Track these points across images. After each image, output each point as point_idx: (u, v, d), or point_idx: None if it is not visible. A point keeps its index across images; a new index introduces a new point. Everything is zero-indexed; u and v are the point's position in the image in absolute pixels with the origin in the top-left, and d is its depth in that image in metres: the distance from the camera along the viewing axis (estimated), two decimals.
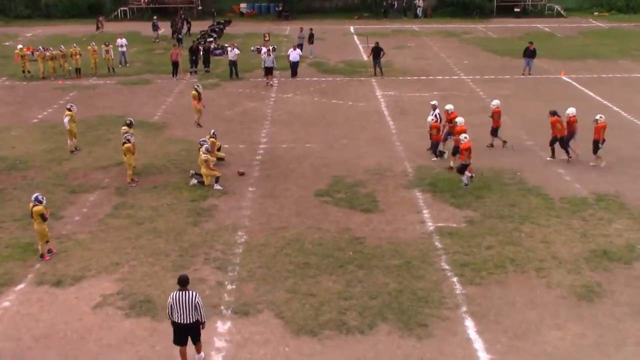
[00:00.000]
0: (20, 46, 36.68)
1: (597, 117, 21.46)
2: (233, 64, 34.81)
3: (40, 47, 36.64)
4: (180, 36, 44.08)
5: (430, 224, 17.41)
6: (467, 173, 19.44)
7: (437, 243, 16.32)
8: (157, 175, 20.98)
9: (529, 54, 34.96)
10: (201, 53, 36.55)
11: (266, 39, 41.92)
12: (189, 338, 11.68)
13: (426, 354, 12.16)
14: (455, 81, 34.14)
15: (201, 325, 11.70)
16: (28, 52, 36.81)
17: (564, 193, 19.27)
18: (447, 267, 15.18)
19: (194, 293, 11.57)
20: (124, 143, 20.05)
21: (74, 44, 36.45)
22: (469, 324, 13.10)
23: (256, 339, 12.65)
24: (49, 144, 24.29)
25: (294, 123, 26.69)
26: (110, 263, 15.46)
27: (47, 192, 19.36)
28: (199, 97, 26.26)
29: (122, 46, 37.90)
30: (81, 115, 27.63)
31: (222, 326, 13.03)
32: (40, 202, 15.57)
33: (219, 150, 22.02)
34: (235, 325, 13.08)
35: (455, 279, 14.69)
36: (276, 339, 12.63)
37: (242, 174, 20.82)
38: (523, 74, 35.10)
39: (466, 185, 19.39)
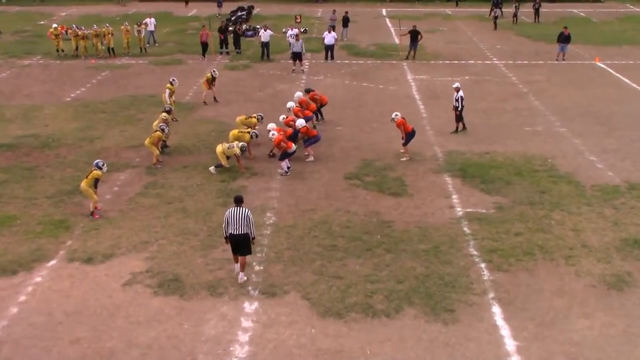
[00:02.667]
0: (55, 25, 37.06)
1: (393, 115, 20.79)
2: (265, 45, 34.80)
3: (74, 26, 36.98)
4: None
5: (459, 209, 17.32)
6: None
7: (465, 228, 16.24)
8: (187, 155, 21.13)
9: (563, 39, 34.44)
10: (231, 35, 36.57)
11: (297, 20, 41.80)
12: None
13: (452, 339, 12.14)
14: (488, 66, 33.78)
15: (252, 240, 13.73)
16: (62, 32, 37.19)
17: (595, 181, 19.02)
18: (475, 253, 15.10)
19: (247, 210, 13.68)
20: (156, 130, 20.43)
21: (107, 24, 36.76)
22: (496, 310, 13.04)
23: (282, 319, 12.72)
24: (81, 122, 24.58)
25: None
26: (139, 241, 15.64)
27: (78, 170, 19.70)
28: (211, 81, 26.78)
29: (150, 25, 38.04)
30: (113, 95, 27.97)
31: (249, 306, 13.13)
32: (100, 168, 16.72)
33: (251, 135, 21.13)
34: (262, 305, 13.17)
35: (483, 265, 14.61)
36: (302, 320, 12.70)
37: (272, 155, 20.85)
38: (557, 60, 34.61)
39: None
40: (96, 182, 16.74)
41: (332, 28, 36.88)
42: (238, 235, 13.51)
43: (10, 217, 16.84)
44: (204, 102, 26.62)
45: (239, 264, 13.89)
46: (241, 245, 13.64)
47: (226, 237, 13.76)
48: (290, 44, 33.94)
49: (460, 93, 22.60)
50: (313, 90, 24.97)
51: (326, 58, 34.87)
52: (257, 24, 42.78)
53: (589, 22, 47.44)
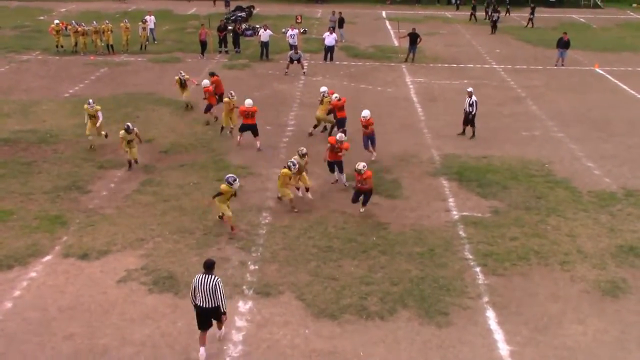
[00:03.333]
0: (56, 21, 36.99)
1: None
2: (264, 45, 34.78)
3: (73, 22, 36.92)
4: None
5: (455, 212, 17.34)
6: None
7: (461, 232, 16.26)
8: (184, 153, 21.12)
9: (563, 44, 34.49)
10: (231, 34, 36.54)
11: (298, 21, 41.80)
12: (212, 321, 11.66)
13: (445, 342, 12.16)
14: (487, 70, 33.82)
15: (223, 315, 11.60)
16: (62, 28, 37.15)
17: (592, 187, 19.06)
18: (470, 257, 15.12)
19: (217, 278, 11.41)
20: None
21: (106, 21, 36.72)
22: (490, 314, 13.06)
23: (276, 320, 12.73)
24: (79, 118, 24.47)
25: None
26: (135, 238, 15.64)
27: (75, 167, 19.70)
28: (182, 84, 25.40)
29: (150, 23, 37.97)
30: (111, 92, 27.93)
31: (244, 306, 13.14)
32: (231, 185, 15.66)
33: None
34: (256, 305, 13.17)
35: (478, 269, 14.64)
36: (296, 320, 12.71)
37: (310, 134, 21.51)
38: (556, 65, 34.66)
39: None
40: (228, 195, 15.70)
41: (333, 29, 36.90)
42: (207, 309, 11.44)
43: (7, 212, 16.81)
44: (188, 105, 25.85)
45: (204, 346, 11.61)
46: (214, 317, 11.62)
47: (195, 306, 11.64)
48: (290, 44, 33.95)
49: (474, 98, 22.55)
50: (216, 75, 25.49)
51: (325, 59, 34.88)
52: (256, 23, 42.74)
53: (588, 28, 47.54)
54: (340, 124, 21.90)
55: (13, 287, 13.62)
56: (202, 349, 11.53)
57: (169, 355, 11.68)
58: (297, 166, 17.02)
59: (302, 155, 17.84)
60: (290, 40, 34.57)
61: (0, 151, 21.08)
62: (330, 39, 34.74)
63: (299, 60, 31.79)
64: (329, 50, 34.84)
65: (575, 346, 12.15)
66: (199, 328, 11.62)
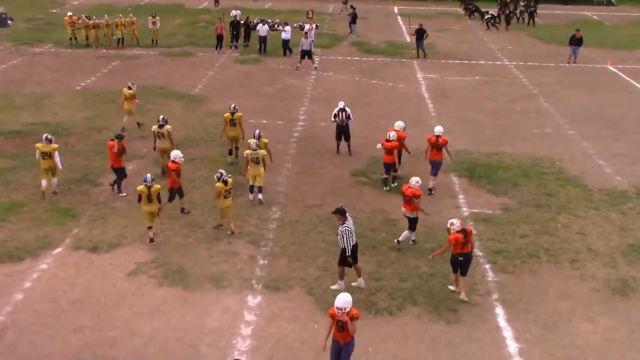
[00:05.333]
0: (70, 13, 37.07)
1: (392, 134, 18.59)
2: (263, 39, 34.65)
3: (83, 16, 37.02)
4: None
5: (465, 209, 17.30)
6: None
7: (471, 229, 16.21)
8: (194, 147, 21.15)
9: (575, 42, 34.27)
10: (243, 28, 36.54)
11: (309, 16, 41.76)
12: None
13: (454, 339, 12.14)
14: (498, 66, 33.67)
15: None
16: (75, 20, 37.24)
17: (603, 185, 18.97)
18: (480, 254, 15.09)
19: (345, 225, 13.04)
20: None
21: (120, 14, 36.78)
22: (499, 311, 13.03)
23: (286, 314, 12.75)
24: (90, 111, 24.63)
25: (333, 101, 26.47)
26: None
27: (86, 159, 19.78)
28: (130, 98, 22.45)
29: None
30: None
31: (253, 300, 13.16)
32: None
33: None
34: (265, 299, 13.19)
35: (487, 266, 14.61)
36: (306, 315, 12.72)
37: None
38: (568, 62, 34.47)
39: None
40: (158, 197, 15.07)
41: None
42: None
43: (18, 204, 16.90)
44: (138, 124, 22.80)
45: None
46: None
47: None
48: (301, 42, 33.96)
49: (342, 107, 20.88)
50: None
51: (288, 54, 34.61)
52: (268, 18, 42.70)
53: (601, 26, 47.22)
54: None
55: (24, 278, 13.70)
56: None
57: (178, 349, 11.72)
58: (226, 178, 15.53)
59: (257, 139, 17.04)
60: (302, 40, 34.48)
61: (13, 143, 21.19)
62: (285, 34, 34.48)
63: (310, 55, 31.73)
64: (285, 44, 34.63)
65: (585, 345, 12.11)
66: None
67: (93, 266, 14.26)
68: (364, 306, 12.96)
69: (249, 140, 17.59)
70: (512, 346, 12.03)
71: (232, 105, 19.81)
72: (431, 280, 13.90)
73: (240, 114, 19.72)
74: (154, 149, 18.89)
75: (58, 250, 14.87)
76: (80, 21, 36.31)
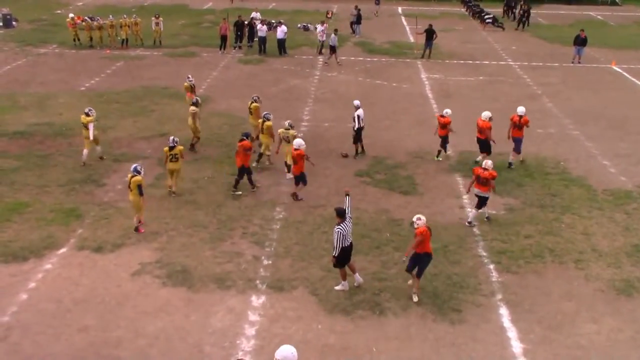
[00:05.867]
0: (71, 15, 37.16)
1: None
2: (262, 40, 34.69)
3: (87, 18, 37.09)
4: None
5: (469, 209, 17.27)
6: None
7: (475, 229, 16.20)
8: (198, 148, 21.14)
9: (580, 42, 34.23)
10: (247, 28, 36.55)
11: (328, 16, 41.84)
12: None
13: (458, 339, 12.13)
14: (502, 67, 33.64)
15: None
16: (78, 21, 37.33)
17: (607, 185, 18.94)
18: (484, 254, 15.08)
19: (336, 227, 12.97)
20: (264, 121, 19.43)
21: (124, 15, 36.84)
22: (504, 312, 13.02)
23: (289, 314, 12.75)
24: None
25: (337, 102, 26.64)
26: (149, 232, 15.71)
27: (91, 160, 19.79)
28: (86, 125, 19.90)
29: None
30: (127, 85, 28.04)
31: (257, 300, 13.17)
32: (139, 173, 15.42)
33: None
34: (269, 300, 13.20)
35: (491, 266, 14.59)
36: (309, 315, 12.72)
37: (345, 155, 20.69)
38: (572, 62, 34.42)
39: None
40: (140, 188, 15.39)
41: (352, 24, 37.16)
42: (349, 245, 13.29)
43: (22, 204, 16.94)
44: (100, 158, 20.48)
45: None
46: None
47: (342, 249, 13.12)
48: (319, 40, 34.17)
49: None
50: None
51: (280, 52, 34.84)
52: (272, 18, 42.71)
53: (606, 26, 47.14)
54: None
55: (28, 278, 13.73)
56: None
57: (182, 349, 11.73)
58: (173, 145, 17.26)
59: (171, 147, 17.33)
60: (319, 37, 34.71)
61: (17, 144, 21.23)
62: (279, 32, 34.70)
63: (335, 51, 32.82)
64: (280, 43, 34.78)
65: (589, 345, 12.08)
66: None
67: (97, 266, 14.28)
68: (368, 306, 12.97)
69: (284, 122, 19.22)
70: (517, 347, 12.02)
71: (255, 96, 21.51)
72: (435, 281, 13.89)
73: (257, 104, 21.10)
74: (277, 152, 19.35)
75: (62, 250, 14.90)
76: (84, 23, 36.37)
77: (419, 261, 13.10)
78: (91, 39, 35.46)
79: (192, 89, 23.62)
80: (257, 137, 20.02)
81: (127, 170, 19.13)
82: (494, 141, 19.70)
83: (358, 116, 20.48)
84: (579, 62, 34.34)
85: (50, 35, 38.46)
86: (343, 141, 21.84)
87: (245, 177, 17.92)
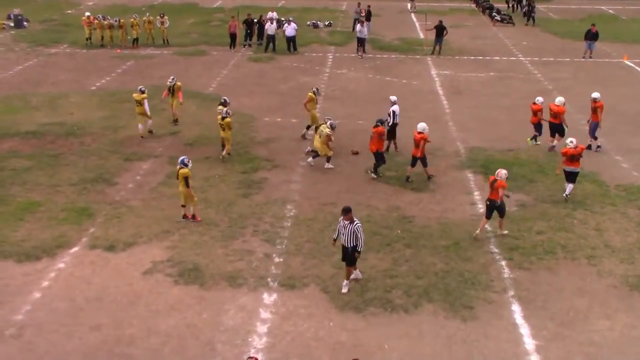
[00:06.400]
0: (87, 14, 37.23)
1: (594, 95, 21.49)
2: (271, 38, 34.65)
3: (100, 16, 37.22)
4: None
5: (480, 205, 17.22)
6: None
7: (486, 225, 16.13)
8: (209, 146, 21.20)
9: (591, 36, 33.98)
10: (256, 26, 36.53)
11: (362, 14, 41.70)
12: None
13: (470, 336, 12.10)
14: (513, 62, 33.49)
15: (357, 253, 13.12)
16: (92, 20, 37.43)
17: (620, 180, 18.82)
18: (496, 250, 15.03)
19: (357, 222, 13.00)
20: (224, 117, 19.66)
21: (135, 15, 36.91)
22: (516, 308, 12.97)
23: (301, 312, 12.76)
24: (106, 111, 24.77)
25: (347, 99, 26.62)
26: (161, 230, 15.75)
27: (102, 159, 19.88)
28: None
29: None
30: (137, 84, 27.99)
31: (268, 298, 13.19)
32: (186, 165, 15.84)
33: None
34: (281, 297, 13.21)
35: (503, 263, 14.54)
36: (321, 313, 12.73)
37: (356, 153, 20.70)
38: (584, 57, 34.20)
39: None
40: (187, 180, 15.79)
41: (356, 21, 36.93)
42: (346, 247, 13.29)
43: (35, 204, 17.04)
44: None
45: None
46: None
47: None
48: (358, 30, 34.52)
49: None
50: None
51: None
52: (281, 16, 42.69)
53: (617, 20, 46.82)
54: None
55: (41, 277, 13.81)
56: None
57: (194, 346, 11.76)
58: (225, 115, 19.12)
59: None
60: (359, 29, 34.76)
61: (29, 144, 21.34)
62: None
63: (363, 43, 33.68)
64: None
65: (602, 342, 12.02)
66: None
67: (109, 265, 14.34)
68: (380, 304, 12.96)
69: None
70: (529, 343, 11.97)
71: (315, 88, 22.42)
72: (447, 278, 13.86)
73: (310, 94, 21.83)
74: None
75: (75, 249, 14.98)
76: (96, 21, 36.49)
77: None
78: (102, 38, 35.58)
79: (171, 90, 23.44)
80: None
81: (138, 169, 19.31)
82: (567, 125, 20.94)
83: (393, 112, 20.63)
84: (590, 57, 34.12)
85: (61, 35, 38.61)
86: (353, 138, 21.82)
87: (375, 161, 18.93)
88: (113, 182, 18.50)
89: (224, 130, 19.78)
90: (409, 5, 49.20)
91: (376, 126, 18.80)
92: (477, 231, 15.55)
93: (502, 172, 15.36)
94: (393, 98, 21.09)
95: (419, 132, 18.35)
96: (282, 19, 40.40)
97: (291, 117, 24.11)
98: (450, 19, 42.89)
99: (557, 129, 21.10)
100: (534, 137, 21.56)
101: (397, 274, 13.98)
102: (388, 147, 20.58)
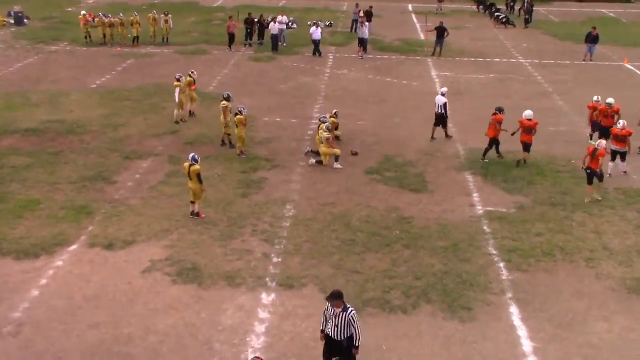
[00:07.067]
0: (83, 12, 37.26)
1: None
2: (275, 37, 34.61)
3: (100, 14, 37.22)
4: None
5: (479, 207, 17.24)
6: None
7: (485, 227, 16.16)
8: (209, 145, 21.21)
9: (592, 39, 34.01)
10: (257, 26, 36.52)
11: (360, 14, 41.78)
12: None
13: (469, 338, 12.11)
14: (513, 64, 33.51)
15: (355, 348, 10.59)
16: (90, 19, 37.46)
17: (619, 184, 18.84)
18: (495, 252, 15.04)
19: (351, 310, 10.46)
20: (236, 114, 19.94)
21: (135, 13, 36.90)
22: (514, 310, 12.98)
23: (299, 312, 12.77)
24: (106, 109, 24.76)
25: (347, 100, 26.62)
26: (160, 229, 15.76)
27: (102, 157, 19.88)
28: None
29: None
30: (138, 83, 28.14)
31: (267, 298, 13.19)
32: (197, 162, 15.99)
33: (337, 129, 21.37)
34: (279, 297, 13.22)
35: (502, 265, 14.55)
36: (319, 313, 12.60)
37: (355, 153, 20.72)
38: (584, 60, 34.23)
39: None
40: (199, 177, 15.95)
41: (355, 22, 37.07)
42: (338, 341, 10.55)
43: (34, 202, 17.03)
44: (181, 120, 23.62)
45: None
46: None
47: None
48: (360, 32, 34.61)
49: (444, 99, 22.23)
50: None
51: (314, 53, 34.51)
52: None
53: (618, 23, 46.84)
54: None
55: (40, 275, 13.81)
56: None
57: (192, 346, 11.77)
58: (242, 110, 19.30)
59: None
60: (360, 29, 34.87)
61: (29, 141, 21.34)
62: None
63: (365, 44, 33.72)
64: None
65: (601, 344, 12.03)
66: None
67: (108, 263, 14.34)
68: (378, 304, 12.96)
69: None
70: (527, 345, 11.98)
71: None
72: (445, 279, 13.87)
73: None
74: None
75: (73, 247, 14.97)
76: (97, 19, 36.47)
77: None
78: (104, 35, 35.58)
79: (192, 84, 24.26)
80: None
81: (138, 167, 19.30)
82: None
83: (445, 104, 22.02)
84: (591, 60, 34.14)
85: (61, 32, 38.60)
86: (353, 139, 21.84)
87: (494, 148, 20.05)
88: (113, 180, 18.50)
89: (237, 127, 19.92)
90: (435, 8, 49.31)
91: (495, 114, 20.13)
92: (587, 199, 17.48)
93: (603, 143, 17.58)
94: (443, 90, 22.66)
95: (529, 119, 19.62)
96: (292, 18, 40.20)
97: (291, 117, 24.12)
98: (451, 21, 42.88)
99: (598, 127, 21.65)
100: (591, 136, 22.01)
101: (395, 275, 13.99)
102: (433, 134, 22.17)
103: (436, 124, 22.14)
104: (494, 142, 20.10)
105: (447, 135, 22.33)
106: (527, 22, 43.66)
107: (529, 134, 19.61)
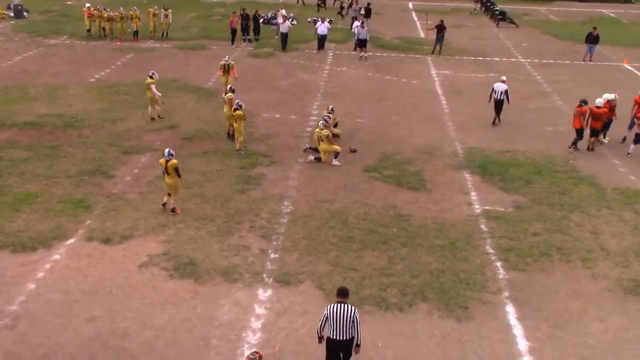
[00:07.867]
0: (88, 5, 37.18)
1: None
2: (284, 35, 34.62)
3: (100, 7, 37.17)
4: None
5: (477, 206, 17.25)
6: None
7: (482, 226, 16.17)
8: (207, 141, 21.20)
9: (592, 39, 34.04)
10: (252, 21, 36.48)
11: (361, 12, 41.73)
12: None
13: (464, 336, 12.13)
14: (513, 63, 33.52)
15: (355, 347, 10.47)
16: (94, 12, 37.37)
17: (617, 184, 18.85)
18: (492, 251, 15.05)
19: (353, 308, 10.31)
20: (235, 109, 19.96)
21: (134, 7, 36.84)
22: (510, 309, 13.00)
23: (296, 308, 12.77)
24: (104, 103, 24.73)
25: (346, 97, 26.61)
26: (157, 224, 15.75)
27: (100, 151, 19.86)
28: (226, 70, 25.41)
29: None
30: (137, 77, 28.07)
31: (263, 294, 13.19)
32: (173, 156, 16.01)
33: (335, 126, 21.39)
34: (276, 293, 13.22)
35: (498, 264, 14.56)
36: (316, 309, 12.72)
37: (354, 150, 20.70)
38: (584, 60, 34.25)
39: None
40: (177, 170, 16.02)
41: (354, 19, 37.03)
42: (340, 341, 10.30)
43: (32, 195, 17.01)
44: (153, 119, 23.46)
45: None
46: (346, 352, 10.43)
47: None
48: (355, 33, 34.36)
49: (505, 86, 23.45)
50: None
51: (318, 48, 34.63)
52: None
53: (618, 23, 46.88)
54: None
55: (36, 269, 13.80)
56: None
57: (188, 341, 11.77)
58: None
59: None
60: (357, 30, 34.72)
61: (27, 135, 21.31)
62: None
63: (364, 45, 33.47)
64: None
65: (596, 344, 12.05)
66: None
67: (105, 257, 14.34)
68: (375, 302, 12.97)
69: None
70: (523, 344, 12.00)
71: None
72: (442, 277, 13.88)
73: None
74: None
75: (71, 241, 14.96)
76: (96, 12, 36.41)
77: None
78: (104, 29, 35.52)
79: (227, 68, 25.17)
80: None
81: (135, 162, 19.28)
82: (616, 116, 22.38)
83: (506, 90, 23.32)
84: (590, 60, 34.16)
85: (60, 26, 38.55)
86: (351, 136, 21.85)
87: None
88: (110, 174, 18.48)
89: (235, 122, 19.97)
90: (472, 7, 49.79)
91: (580, 106, 21.19)
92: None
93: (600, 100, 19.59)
94: (504, 77, 24.33)
95: (598, 107, 21.00)
96: (292, 15, 40.23)
97: (290, 114, 24.11)
98: (451, 19, 42.91)
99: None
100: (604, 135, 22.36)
101: (392, 273, 14.00)
102: (494, 120, 23.58)
103: (497, 111, 23.50)
104: (579, 132, 21.18)
105: (495, 122, 23.66)
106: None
107: (597, 120, 20.97)
